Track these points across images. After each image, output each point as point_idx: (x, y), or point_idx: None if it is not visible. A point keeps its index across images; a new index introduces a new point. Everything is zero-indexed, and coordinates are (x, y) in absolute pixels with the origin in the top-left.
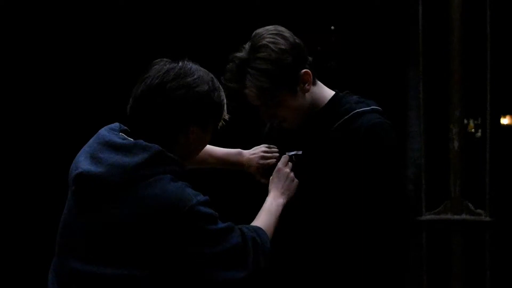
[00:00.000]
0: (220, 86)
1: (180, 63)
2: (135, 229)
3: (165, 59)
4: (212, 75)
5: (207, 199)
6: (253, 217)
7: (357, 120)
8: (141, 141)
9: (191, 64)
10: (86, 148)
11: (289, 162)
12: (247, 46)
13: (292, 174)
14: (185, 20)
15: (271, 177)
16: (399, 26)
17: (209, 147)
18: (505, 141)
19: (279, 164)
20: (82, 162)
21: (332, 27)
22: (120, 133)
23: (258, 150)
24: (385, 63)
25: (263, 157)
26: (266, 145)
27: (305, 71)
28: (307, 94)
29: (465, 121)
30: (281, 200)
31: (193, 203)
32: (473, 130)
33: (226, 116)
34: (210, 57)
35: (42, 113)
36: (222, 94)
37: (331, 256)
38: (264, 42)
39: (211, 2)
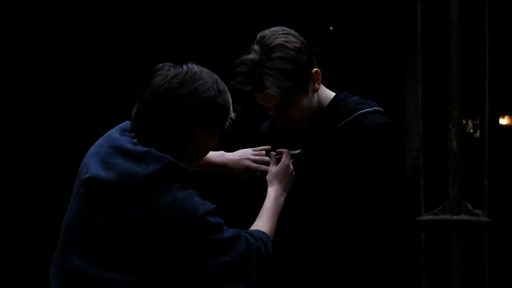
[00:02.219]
0: (225, 87)
1: (185, 68)
2: (142, 237)
3: (168, 63)
4: (216, 77)
5: (215, 207)
6: (250, 215)
7: (360, 121)
8: (153, 150)
9: (195, 68)
10: (96, 149)
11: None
12: (256, 48)
13: (293, 173)
14: (185, 20)
15: (272, 173)
16: (398, 26)
17: None
18: (504, 141)
19: (286, 161)
20: (93, 165)
21: (331, 28)
22: (132, 134)
23: (247, 153)
24: (384, 63)
25: (254, 160)
26: (252, 148)
27: (316, 70)
28: (314, 94)
29: (464, 122)
30: (283, 198)
31: (201, 213)
32: (472, 130)
33: (233, 115)
34: (210, 57)
35: (41, 113)
36: (228, 96)
37: (333, 256)
38: (278, 41)
39: (211, 2)
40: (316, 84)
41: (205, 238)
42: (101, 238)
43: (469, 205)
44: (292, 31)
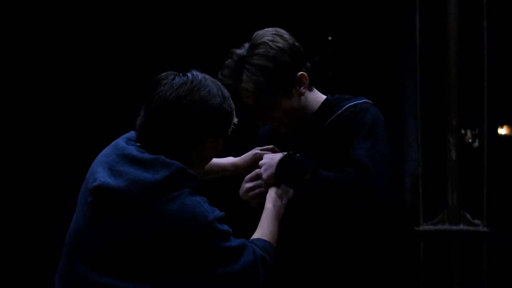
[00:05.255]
0: (228, 93)
1: (190, 76)
2: (152, 245)
3: (170, 72)
4: (218, 83)
5: (223, 215)
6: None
7: (350, 110)
8: (162, 157)
9: (199, 76)
10: (103, 157)
11: None
12: (246, 44)
13: None
14: (185, 20)
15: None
16: (397, 36)
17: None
18: (503, 151)
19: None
20: (101, 174)
21: (330, 38)
22: (138, 144)
23: (253, 150)
24: (382, 73)
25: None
26: (258, 148)
27: (302, 74)
28: (302, 98)
29: (463, 131)
30: (284, 199)
31: (210, 220)
32: (470, 140)
33: (235, 120)
34: (210, 58)
35: (40, 115)
36: (231, 101)
37: (334, 251)
38: (263, 40)
39: (211, 2)
40: (302, 88)
41: (213, 245)
42: (108, 246)
43: (467, 215)
44: (285, 33)
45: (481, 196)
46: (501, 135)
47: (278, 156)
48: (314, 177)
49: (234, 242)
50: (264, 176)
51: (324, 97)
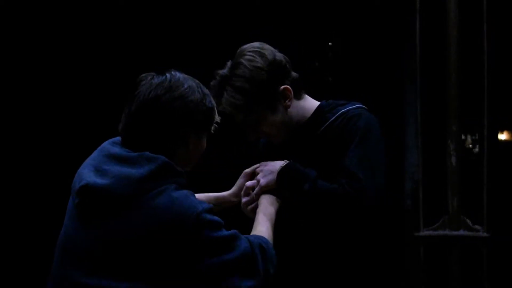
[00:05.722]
0: (208, 91)
1: (168, 75)
2: (143, 241)
3: (150, 73)
4: (198, 81)
5: (212, 207)
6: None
7: (343, 116)
8: (146, 152)
9: (178, 74)
10: (89, 161)
11: None
12: (229, 63)
13: None
14: (184, 20)
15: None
16: (397, 41)
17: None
18: (503, 156)
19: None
20: (87, 174)
21: (330, 43)
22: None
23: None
24: (382, 79)
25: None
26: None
27: (285, 87)
28: (290, 109)
29: (463, 137)
30: (273, 208)
31: (200, 211)
32: (470, 145)
33: (218, 119)
34: (210, 58)
35: (40, 115)
36: (212, 98)
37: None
38: (241, 59)
39: (211, 2)
40: (287, 101)
41: (205, 235)
42: (99, 247)
43: (468, 221)
44: (266, 49)
45: (481, 202)
46: (501, 141)
47: (279, 163)
48: (311, 188)
49: (226, 232)
50: (263, 182)
51: (317, 103)
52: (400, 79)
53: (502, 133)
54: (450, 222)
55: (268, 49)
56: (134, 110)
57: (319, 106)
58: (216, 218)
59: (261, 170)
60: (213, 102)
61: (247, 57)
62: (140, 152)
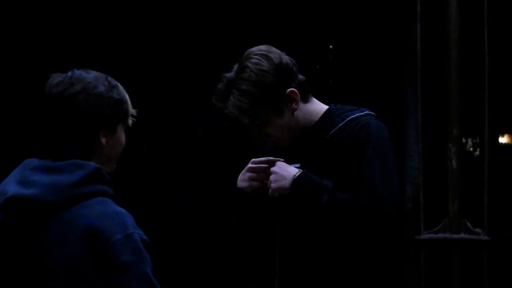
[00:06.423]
0: (118, 83)
1: (70, 72)
2: (76, 250)
3: (54, 74)
4: (106, 75)
5: (147, 240)
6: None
7: (352, 124)
8: (75, 159)
9: (80, 70)
10: (10, 177)
11: None
12: (235, 66)
13: None
14: (184, 21)
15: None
16: (397, 44)
17: None
18: (504, 160)
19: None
20: (10, 188)
21: (331, 46)
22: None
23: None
24: (383, 82)
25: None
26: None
27: (291, 91)
28: (297, 112)
29: (464, 140)
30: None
31: (130, 232)
32: (471, 149)
33: (134, 112)
34: (210, 58)
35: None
36: (122, 90)
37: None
38: (247, 63)
39: (211, 2)
40: (293, 104)
41: (128, 259)
42: (31, 262)
43: (468, 224)
44: (272, 52)
45: (482, 205)
46: (501, 144)
47: (292, 171)
48: (329, 200)
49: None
50: (274, 185)
51: (325, 107)
52: (401, 82)
53: (503, 137)
54: (451, 225)
55: (275, 52)
56: (41, 116)
57: (327, 110)
58: (143, 249)
59: (275, 172)
60: (123, 93)
61: (253, 60)
62: (63, 158)
